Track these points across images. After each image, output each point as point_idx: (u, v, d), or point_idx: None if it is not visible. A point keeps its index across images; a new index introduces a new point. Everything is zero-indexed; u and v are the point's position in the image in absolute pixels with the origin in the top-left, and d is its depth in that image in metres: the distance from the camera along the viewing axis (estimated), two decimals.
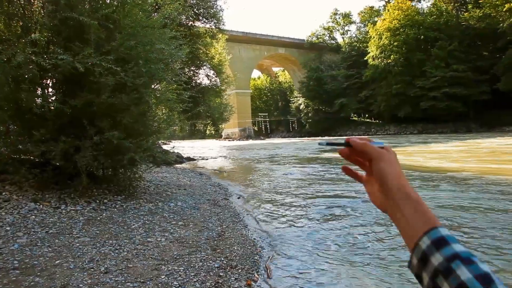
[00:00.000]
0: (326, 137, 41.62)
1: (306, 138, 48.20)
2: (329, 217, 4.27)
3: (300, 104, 56.56)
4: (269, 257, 3.01)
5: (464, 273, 0.39)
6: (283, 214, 4.56)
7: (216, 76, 16.17)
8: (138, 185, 5.24)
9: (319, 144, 0.60)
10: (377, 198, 0.55)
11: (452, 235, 0.45)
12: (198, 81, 15.41)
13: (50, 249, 2.66)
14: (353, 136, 0.56)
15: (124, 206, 4.06)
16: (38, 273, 2.25)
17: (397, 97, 40.26)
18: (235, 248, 3.16)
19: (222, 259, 2.86)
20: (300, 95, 56.78)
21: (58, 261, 2.47)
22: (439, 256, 0.42)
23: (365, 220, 4.05)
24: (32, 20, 3.99)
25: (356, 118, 51.84)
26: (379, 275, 2.58)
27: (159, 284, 2.28)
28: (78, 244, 2.81)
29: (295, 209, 4.81)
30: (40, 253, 2.57)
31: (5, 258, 2.41)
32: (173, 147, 6.29)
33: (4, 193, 3.58)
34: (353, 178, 0.62)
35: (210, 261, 2.77)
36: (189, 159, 14.68)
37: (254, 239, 3.51)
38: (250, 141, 43.04)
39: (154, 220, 3.72)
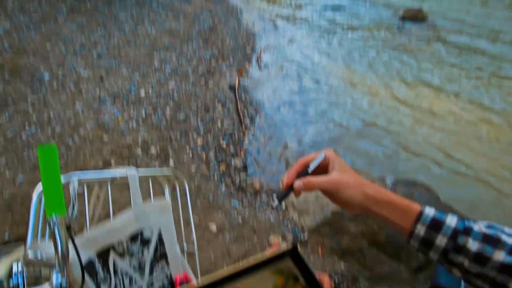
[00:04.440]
0: None
1: None
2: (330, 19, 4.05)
3: None
4: (261, 49, 3.03)
5: (472, 245, 0.43)
6: (281, 14, 4.31)
7: None
8: None
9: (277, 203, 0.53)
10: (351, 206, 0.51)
11: (437, 210, 0.46)
12: None
13: (37, 34, 2.62)
14: (296, 181, 0.50)
15: None
16: (32, 55, 2.29)
17: None
18: (227, 41, 3.13)
19: (214, 49, 2.87)
20: None
21: (49, 47, 2.47)
22: (441, 237, 0.45)
23: None
24: None
25: None
26: None
27: (152, 67, 2.36)
28: (65, 31, 2.75)
29: (294, 7, 4.49)
30: (28, 37, 2.54)
31: None
32: None
33: None
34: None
35: (202, 50, 2.79)
36: None
37: (247, 33, 3.43)
38: None
39: (142, 12, 3.52)
